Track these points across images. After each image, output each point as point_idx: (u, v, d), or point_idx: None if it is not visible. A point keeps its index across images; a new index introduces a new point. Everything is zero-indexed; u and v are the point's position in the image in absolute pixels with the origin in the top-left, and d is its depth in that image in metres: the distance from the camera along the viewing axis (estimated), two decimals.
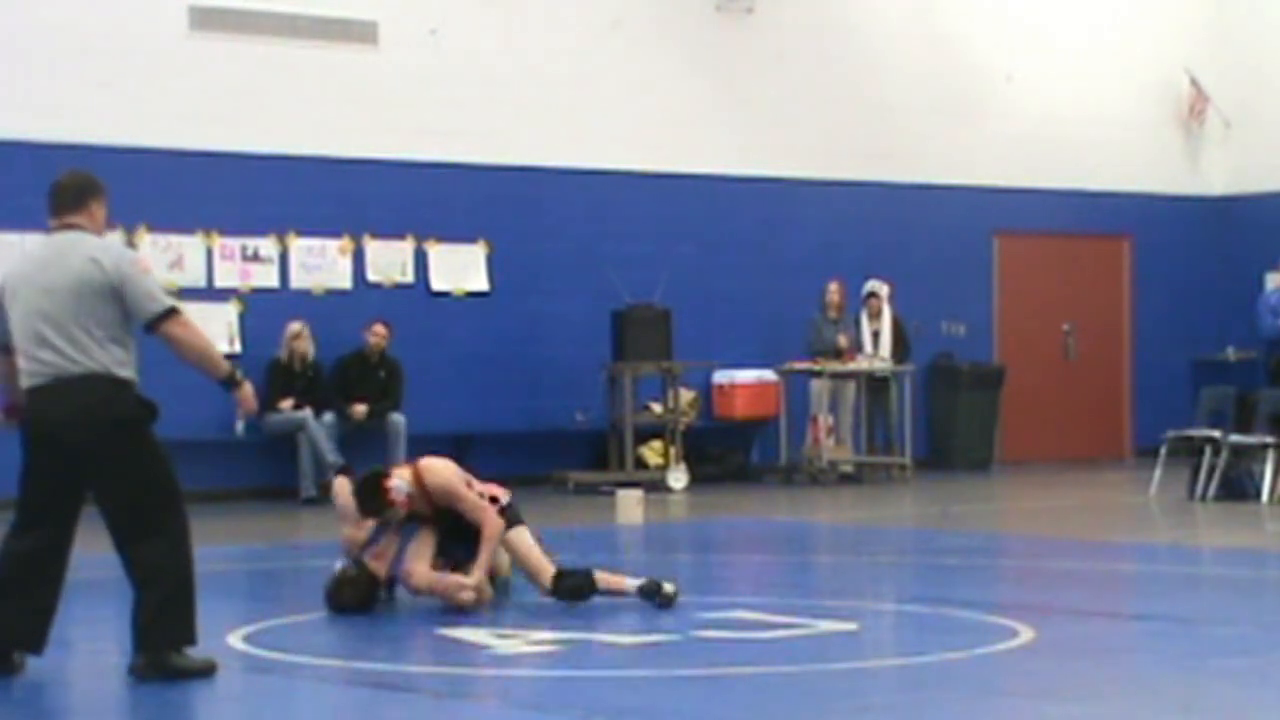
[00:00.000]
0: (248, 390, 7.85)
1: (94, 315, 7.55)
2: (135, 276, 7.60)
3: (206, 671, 7.78)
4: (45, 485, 7.72)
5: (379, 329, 17.75)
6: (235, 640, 8.78)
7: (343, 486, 10.04)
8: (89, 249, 7.62)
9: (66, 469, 7.64)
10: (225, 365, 7.78)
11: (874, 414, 19.99)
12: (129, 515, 7.64)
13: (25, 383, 7.69)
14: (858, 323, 19.82)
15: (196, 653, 7.83)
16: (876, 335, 19.80)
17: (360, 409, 17.58)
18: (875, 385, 19.82)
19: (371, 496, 9.67)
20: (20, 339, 7.67)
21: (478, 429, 18.53)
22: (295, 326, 17.51)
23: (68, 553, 7.83)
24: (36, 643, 7.81)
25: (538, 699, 7.58)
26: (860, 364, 19.43)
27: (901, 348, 19.88)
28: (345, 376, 17.73)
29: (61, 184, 7.78)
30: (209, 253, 17.56)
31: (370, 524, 9.82)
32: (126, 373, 7.63)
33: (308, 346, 17.55)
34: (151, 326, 7.62)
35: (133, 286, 7.57)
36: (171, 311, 7.64)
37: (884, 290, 19.90)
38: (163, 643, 7.67)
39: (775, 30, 20.29)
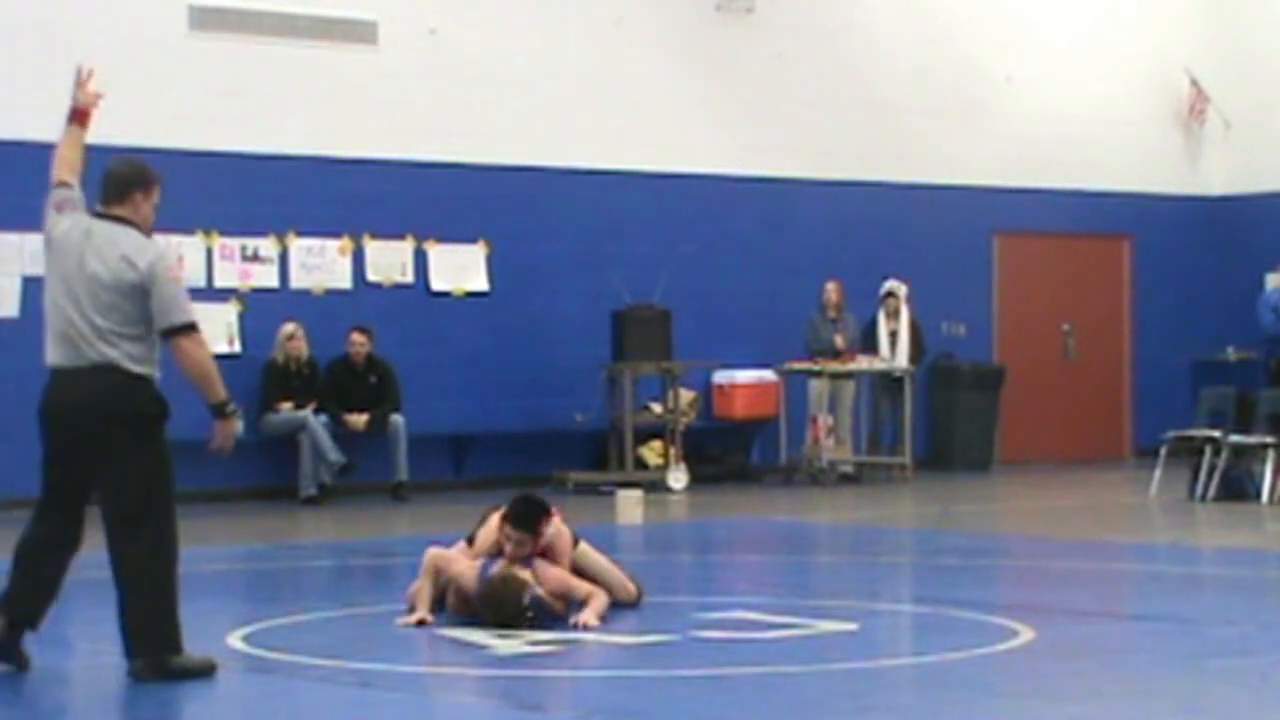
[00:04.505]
0: (234, 426, 7.86)
1: (118, 310, 7.68)
2: (164, 281, 7.71)
3: (207, 671, 7.80)
4: (56, 470, 7.83)
5: (357, 337, 17.69)
6: (235, 640, 8.78)
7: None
8: (127, 246, 7.73)
9: (74, 455, 7.75)
10: (223, 392, 7.80)
11: (888, 413, 19.96)
12: (124, 509, 7.71)
13: (48, 361, 7.82)
14: (874, 322, 19.80)
15: (197, 653, 7.85)
16: (894, 335, 19.77)
17: (358, 419, 17.55)
18: (891, 385, 19.79)
19: (536, 514, 9.39)
20: (49, 315, 7.81)
21: (478, 429, 18.54)
22: (288, 328, 17.49)
23: (73, 541, 7.90)
24: (33, 618, 7.91)
25: (538, 699, 7.58)
26: (860, 364, 19.42)
27: (916, 349, 19.85)
28: (336, 382, 17.70)
29: (110, 173, 7.93)
30: (209, 253, 17.56)
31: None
32: (141, 368, 7.72)
33: (302, 347, 17.53)
34: (166, 335, 7.71)
35: (159, 290, 7.68)
36: (189, 327, 7.72)
37: (902, 290, 19.85)
38: (153, 646, 7.71)
39: (775, 30, 20.29)
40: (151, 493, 7.73)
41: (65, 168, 8.03)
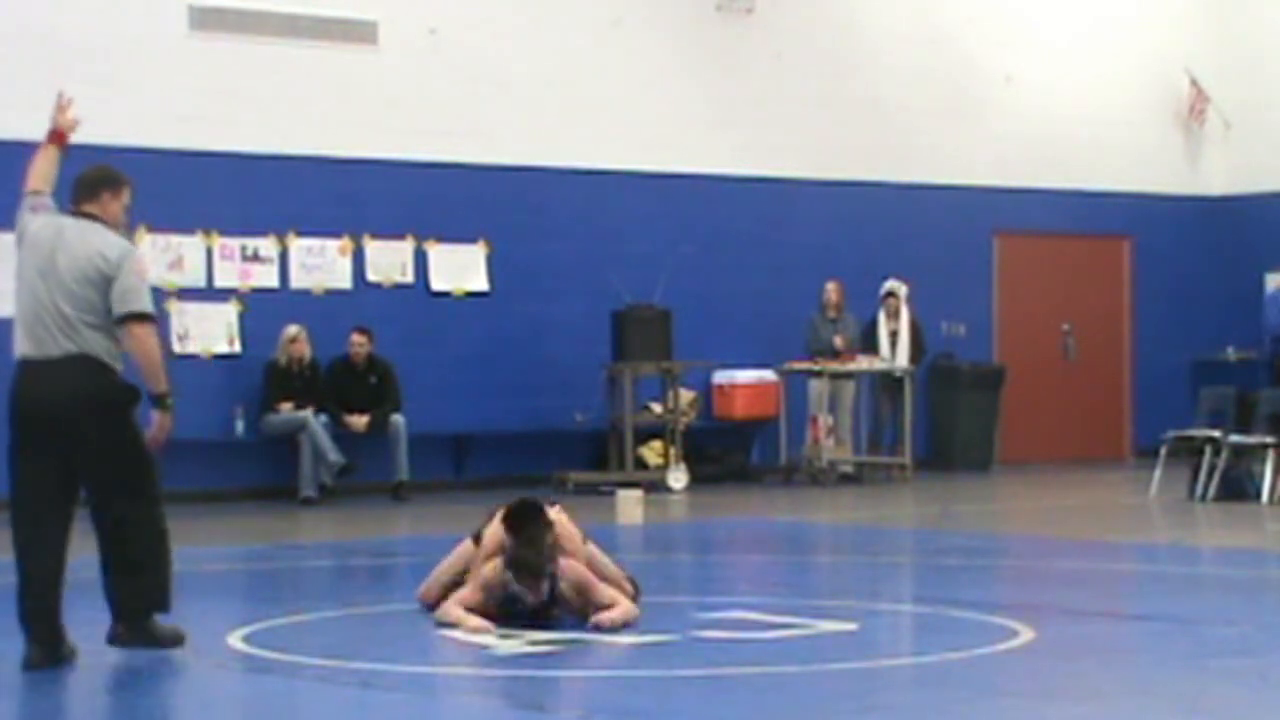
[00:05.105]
0: (167, 421, 8.07)
1: (86, 300, 7.93)
2: (129, 272, 7.97)
3: (176, 641, 8.01)
4: (29, 463, 7.94)
5: (357, 337, 17.69)
6: (235, 640, 8.78)
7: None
8: (102, 244, 7.99)
9: (49, 445, 7.91)
10: (165, 385, 8.06)
11: (888, 413, 19.95)
12: (110, 489, 7.94)
13: (17, 353, 8.02)
14: (874, 322, 19.79)
15: (198, 651, 7.89)
16: (894, 335, 19.75)
17: (358, 420, 17.55)
18: (892, 385, 19.77)
19: (531, 515, 9.12)
20: (21, 307, 8.03)
21: (477, 429, 18.54)
22: (292, 330, 17.48)
23: (64, 540, 8.02)
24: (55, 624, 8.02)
25: (538, 699, 7.58)
26: (860, 364, 19.41)
27: (916, 349, 19.83)
28: (336, 383, 17.70)
29: (80, 176, 8.24)
30: (209, 253, 17.55)
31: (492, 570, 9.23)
32: (108, 359, 7.97)
33: (305, 350, 17.53)
34: (122, 321, 7.94)
35: (123, 279, 7.94)
36: (146, 316, 8.00)
37: (902, 290, 19.83)
38: (141, 605, 7.95)
39: (775, 30, 20.29)
40: (138, 465, 8.00)
41: (39, 179, 8.33)
